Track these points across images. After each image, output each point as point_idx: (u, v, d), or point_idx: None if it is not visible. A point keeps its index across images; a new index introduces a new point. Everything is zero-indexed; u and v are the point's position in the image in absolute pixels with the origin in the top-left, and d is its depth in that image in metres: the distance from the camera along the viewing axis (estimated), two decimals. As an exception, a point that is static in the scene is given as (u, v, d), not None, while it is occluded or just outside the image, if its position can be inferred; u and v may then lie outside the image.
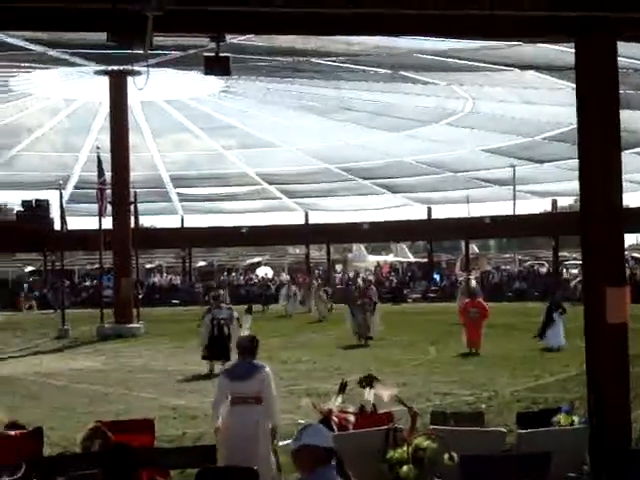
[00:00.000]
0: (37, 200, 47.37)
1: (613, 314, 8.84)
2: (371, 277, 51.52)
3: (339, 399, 9.56)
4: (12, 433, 9.22)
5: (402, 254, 66.62)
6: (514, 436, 9.23)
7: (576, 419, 9.16)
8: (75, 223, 44.61)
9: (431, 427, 8.90)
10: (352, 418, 9.21)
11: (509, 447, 8.92)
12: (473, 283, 32.26)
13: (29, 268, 63.30)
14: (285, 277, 47.59)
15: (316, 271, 56.15)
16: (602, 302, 8.86)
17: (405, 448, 8.09)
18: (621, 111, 9.40)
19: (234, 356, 20.26)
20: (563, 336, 23.44)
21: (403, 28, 9.25)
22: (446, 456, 7.77)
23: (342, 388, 9.73)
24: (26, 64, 31.17)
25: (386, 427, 8.66)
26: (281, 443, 5.53)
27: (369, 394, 9.69)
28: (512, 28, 8.91)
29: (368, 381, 9.88)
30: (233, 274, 55.29)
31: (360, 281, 44.41)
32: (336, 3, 7.72)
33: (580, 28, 8.83)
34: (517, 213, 51.13)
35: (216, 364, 20.00)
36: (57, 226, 37.52)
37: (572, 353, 20.56)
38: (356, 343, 25.64)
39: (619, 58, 9.42)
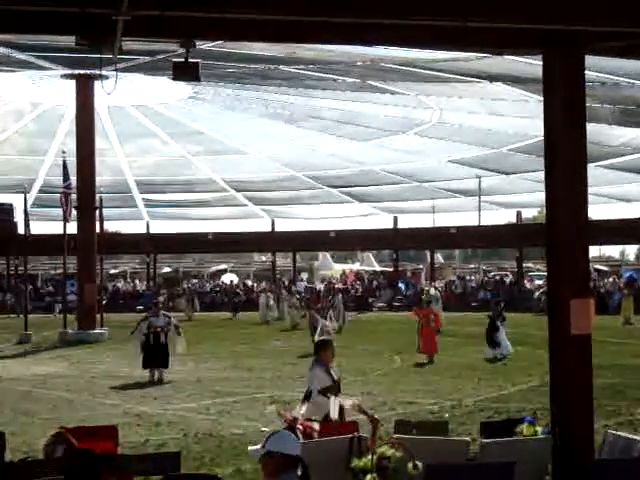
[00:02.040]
0: (1, 203, 47.02)
1: (577, 325, 8.91)
2: (339, 284, 51.64)
3: (304, 407, 9.55)
4: (-27, 438, 9.12)
5: (368, 263, 66.79)
6: (477, 445, 9.27)
7: (539, 429, 9.22)
8: (40, 227, 44.39)
9: (395, 436, 8.91)
10: (317, 426, 9.19)
11: (473, 456, 8.95)
12: (432, 291, 32.39)
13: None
14: (263, 285, 47.61)
15: (283, 279, 56.06)
16: (566, 313, 8.93)
17: (369, 457, 8.10)
18: (587, 124, 9.49)
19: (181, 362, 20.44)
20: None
21: (377, 37, 9.28)
22: (410, 465, 7.78)
23: (307, 397, 9.71)
24: (-8, 66, 30.89)
25: (350, 435, 8.67)
26: (250, 448, 5.52)
27: (334, 402, 9.69)
28: (482, 39, 8.98)
29: (335, 388, 9.91)
30: (195, 280, 55.02)
31: (321, 287, 44.50)
32: (308, 11, 7.73)
33: (548, 41, 8.91)
34: (482, 224, 51.45)
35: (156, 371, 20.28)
36: (21, 230, 37.19)
37: (535, 363, 20.70)
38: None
39: (586, 71, 9.51)
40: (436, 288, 37.87)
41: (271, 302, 41.07)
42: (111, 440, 9.39)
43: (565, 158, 9.29)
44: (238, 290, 51.16)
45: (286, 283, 51.62)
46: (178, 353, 21.45)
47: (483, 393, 17.65)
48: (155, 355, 20.46)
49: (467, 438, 9.63)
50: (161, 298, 27.39)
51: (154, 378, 20.19)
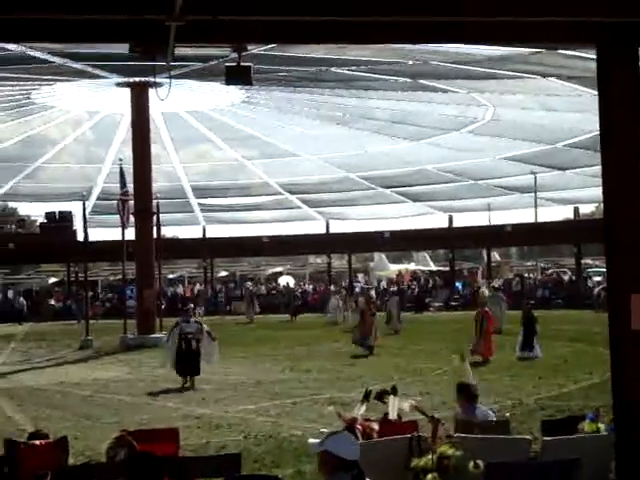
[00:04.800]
0: (60, 212, 47.88)
1: (638, 320, 8.77)
2: (393, 287, 51.43)
3: (363, 408, 9.54)
4: (37, 443, 9.26)
5: (423, 263, 66.48)
6: (539, 444, 9.18)
7: (601, 426, 9.10)
8: (98, 234, 45.02)
9: (456, 435, 8.87)
10: (376, 426, 9.18)
11: (534, 455, 8.87)
12: (486, 292, 32.10)
13: (52, 279, 63.63)
14: (333, 288, 47.64)
15: (343, 282, 55.90)
16: (627, 308, 8.79)
17: (430, 456, 8.07)
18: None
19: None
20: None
21: (429, 36, 9.25)
22: (471, 464, 7.73)
23: (366, 397, 9.71)
24: (48, 77, 31.40)
25: (410, 435, 8.65)
26: (311, 440, 5.60)
27: (393, 402, 9.68)
28: (535, 35, 8.90)
29: (391, 390, 9.89)
30: (249, 283, 55.35)
31: (372, 291, 44.31)
32: (359, 11, 7.73)
33: (602, 34, 8.80)
34: (539, 221, 50.91)
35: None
36: (80, 237, 37.74)
37: (596, 361, 20.45)
38: (377, 352, 25.62)
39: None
40: (496, 288, 37.33)
41: (341, 304, 40.90)
42: (172, 442, 9.47)
43: (622, 152, 9.16)
44: (297, 293, 51.27)
45: (344, 285, 51.57)
46: (212, 361, 20.99)
47: (543, 391, 17.50)
48: (187, 363, 20.21)
49: (528, 437, 9.55)
50: (191, 305, 26.66)
51: (186, 385, 19.92)
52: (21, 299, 51.01)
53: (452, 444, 8.16)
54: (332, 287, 48.90)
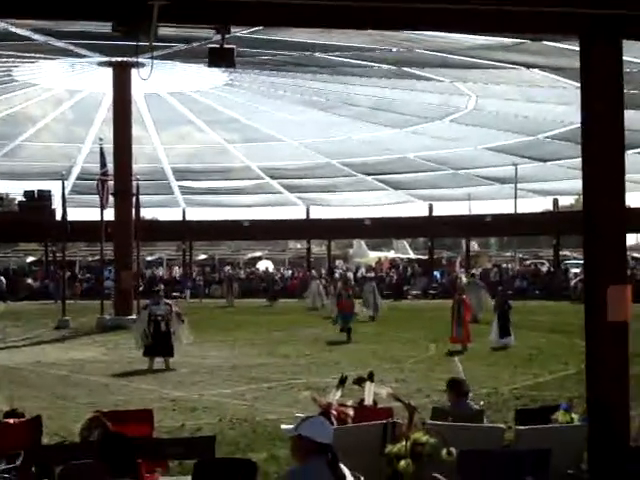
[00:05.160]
0: (39, 191, 47.45)
1: (614, 312, 8.82)
2: (370, 273, 51.43)
3: (338, 393, 9.56)
4: (11, 421, 9.24)
5: (403, 251, 66.62)
6: (513, 433, 9.23)
7: (575, 417, 9.16)
8: (77, 214, 44.76)
9: (429, 422, 8.90)
10: (351, 412, 9.20)
11: (507, 444, 8.92)
12: (464, 280, 32.16)
13: (30, 258, 63.33)
14: (314, 273, 47.67)
15: (322, 268, 55.84)
16: (603, 300, 8.85)
17: (403, 443, 8.09)
18: (625, 110, 9.38)
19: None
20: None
21: (413, 22, 9.22)
22: (444, 451, 7.77)
23: (341, 382, 9.73)
24: (30, 54, 31.15)
25: (384, 421, 8.67)
26: (283, 427, 5.61)
27: (369, 388, 9.70)
28: (518, 24, 8.90)
29: (368, 376, 9.91)
30: (228, 267, 55.19)
31: (350, 275, 44.38)
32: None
33: (585, 25, 8.81)
34: (518, 211, 51.11)
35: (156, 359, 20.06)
36: (59, 217, 37.54)
37: (571, 352, 20.58)
38: (355, 339, 25.68)
39: (624, 57, 9.39)
40: (473, 275, 37.38)
41: (321, 289, 40.88)
42: (146, 424, 9.48)
43: (603, 145, 9.19)
44: (276, 278, 51.24)
45: (323, 271, 51.54)
46: (184, 342, 20.99)
47: (519, 381, 17.58)
48: (156, 343, 20.18)
49: (502, 425, 9.60)
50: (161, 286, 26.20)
51: (153, 366, 19.86)
52: (1, 278, 50.69)
53: (426, 431, 8.19)
54: (313, 272, 48.93)
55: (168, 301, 22.06)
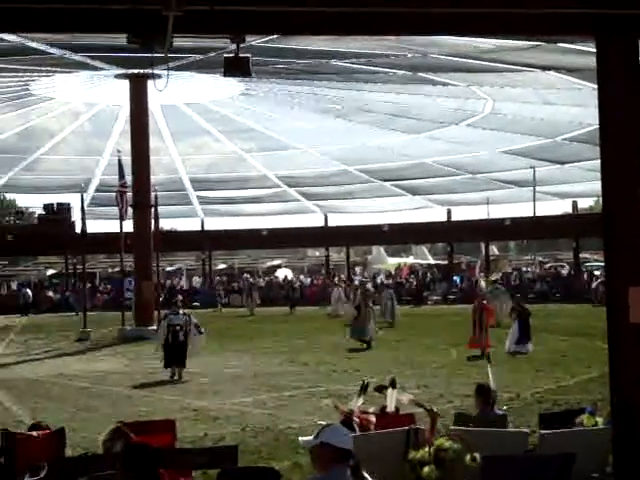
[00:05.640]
0: (59, 203, 47.84)
1: (636, 314, 8.76)
2: (388, 280, 51.33)
3: (360, 400, 9.54)
4: (35, 434, 9.26)
5: (422, 256, 66.52)
6: (537, 437, 9.17)
7: (599, 420, 9.09)
8: (97, 226, 45.00)
9: (453, 428, 8.86)
10: (373, 419, 9.18)
11: (532, 448, 8.86)
12: (483, 285, 32.00)
13: (50, 271, 63.61)
14: (337, 280, 47.58)
15: (341, 275, 55.76)
16: (625, 302, 8.78)
17: (427, 449, 8.06)
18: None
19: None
20: None
21: (428, 27, 9.20)
22: (468, 457, 7.73)
23: (363, 389, 9.70)
24: (47, 68, 31.35)
25: (407, 428, 8.64)
26: (301, 439, 5.58)
27: (391, 395, 9.67)
28: (534, 26, 8.87)
29: (390, 383, 9.88)
30: (247, 276, 55.31)
31: (369, 285, 44.33)
32: (360, 2, 7.70)
33: (601, 26, 8.77)
34: (537, 215, 50.88)
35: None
36: (78, 229, 37.70)
37: (594, 355, 20.46)
38: (376, 346, 25.63)
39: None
40: (495, 282, 37.12)
41: (343, 296, 40.79)
42: (169, 434, 9.48)
43: (621, 146, 9.14)
44: (296, 285, 51.22)
45: (345, 277, 51.49)
46: (196, 352, 21.12)
47: (541, 385, 17.51)
48: (173, 353, 20.30)
49: (526, 430, 9.54)
50: (180, 297, 26.15)
51: (174, 377, 19.98)
52: (28, 290, 50.93)
53: (449, 437, 8.16)
54: (335, 279, 48.86)
55: (186, 311, 22.13)
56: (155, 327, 31.35)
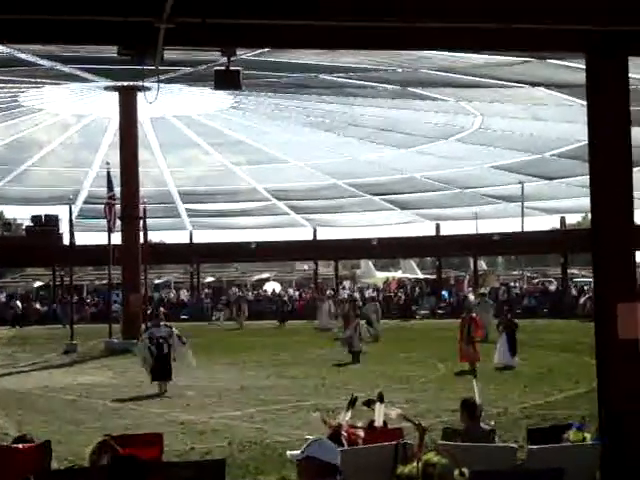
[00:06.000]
0: (46, 215, 47.68)
1: (625, 330, 8.79)
2: (373, 293, 51.30)
3: (348, 414, 9.50)
4: (20, 447, 9.18)
5: (410, 270, 66.50)
6: (525, 452, 9.15)
7: (587, 436, 9.08)
8: (85, 238, 44.86)
9: (441, 443, 8.83)
10: (362, 433, 9.14)
11: (520, 463, 8.84)
12: (472, 299, 32.00)
13: (38, 283, 63.38)
14: (329, 293, 47.61)
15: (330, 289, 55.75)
16: (614, 318, 8.81)
17: (415, 464, 8.03)
18: (632, 127, 9.37)
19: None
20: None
21: (419, 41, 9.24)
22: (456, 472, 7.70)
23: (352, 403, 9.66)
24: (36, 80, 31.31)
25: (395, 442, 8.61)
26: (289, 453, 5.56)
27: (379, 409, 9.63)
28: (524, 42, 8.91)
29: (378, 397, 9.84)
30: (235, 289, 55.21)
31: (357, 296, 44.26)
32: (351, 16, 7.72)
33: (591, 43, 8.82)
34: (525, 230, 51.02)
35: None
36: (66, 241, 37.59)
37: (582, 370, 20.46)
38: (363, 360, 25.60)
39: (630, 74, 9.39)
40: (484, 295, 37.06)
41: (332, 310, 40.71)
42: (156, 448, 9.41)
43: (610, 162, 9.18)
44: (285, 299, 51.11)
45: (333, 291, 51.47)
46: (188, 365, 20.97)
47: (529, 400, 17.49)
48: (159, 367, 20.10)
49: (514, 445, 9.52)
50: (162, 309, 25.82)
51: (164, 392, 19.74)
52: (17, 302, 50.71)
53: (437, 452, 8.13)
54: (328, 292, 48.84)
55: (168, 324, 21.97)
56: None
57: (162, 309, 25.51)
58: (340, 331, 32.05)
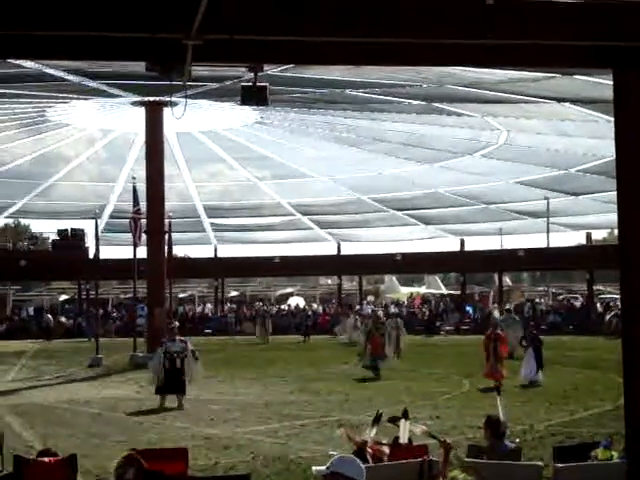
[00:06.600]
0: (73, 229, 48.04)
1: (652, 347, 8.72)
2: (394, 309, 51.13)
3: (374, 431, 9.47)
4: (46, 460, 9.23)
5: (435, 286, 66.35)
6: (551, 470, 9.09)
7: (615, 454, 9.01)
8: (110, 252, 45.11)
9: (466, 460, 8.79)
10: (387, 450, 9.11)
11: (546, 482, 8.79)
12: (497, 315, 31.78)
13: (63, 297, 63.73)
14: (357, 307, 47.66)
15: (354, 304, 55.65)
16: (641, 335, 8.74)
17: (440, 481, 8.00)
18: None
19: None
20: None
21: (445, 58, 9.25)
22: (482, 490, 7.67)
23: (377, 419, 9.64)
24: (64, 95, 31.57)
25: (420, 459, 8.57)
26: (314, 468, 5.56)
27: (404, 426, 9.60)
28: (551, 58, 8.89)
29: (402, 414, 9.81)
30: (259, 303, 55.30)
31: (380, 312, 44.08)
32: (376, 32, 7.74)
33: (619, 59, 8.79)
34: (551, 246, 50.78)
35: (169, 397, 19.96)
36: (92, 255, 37.80)
37: (607, 388, 20.32)
38: (388, 375, 25.52)
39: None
40: (509, 310, 36.78)
41: (359, 324, 40.58)
42: (181, 462, 9.43)
43: (637, 178, 9.13)
44: (309, 314, 51.06)
45: (357, 307, 51.41)
46: (196, 379, 21.07)
47: (554, 418, 17.37)
48: (169, 381, 20.13)
49: (540, 463, 9.45)
50: (176, 323, 25.72)
51: (165, 404, 19.80)
52: (49, 316, 51.00)
53: (463, 469, 8.09)
54: (357, 307, 48.79)
55: (183, 338, 21.94)
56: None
57: (176, 322, 25.29)
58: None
